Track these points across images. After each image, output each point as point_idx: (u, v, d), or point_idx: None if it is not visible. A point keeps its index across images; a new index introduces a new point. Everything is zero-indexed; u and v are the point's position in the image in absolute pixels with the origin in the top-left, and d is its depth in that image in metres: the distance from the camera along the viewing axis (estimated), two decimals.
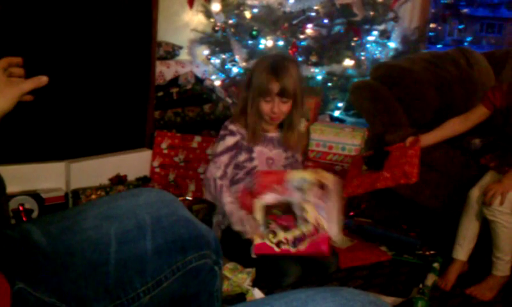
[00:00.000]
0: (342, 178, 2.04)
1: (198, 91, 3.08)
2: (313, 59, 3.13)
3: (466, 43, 5.41)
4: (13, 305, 0.84)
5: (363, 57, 3.32)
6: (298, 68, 2.10)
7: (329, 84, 3.27)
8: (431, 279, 1.96)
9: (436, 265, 2.07)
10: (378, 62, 3.25)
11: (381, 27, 3.45)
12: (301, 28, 3.13)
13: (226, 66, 3.40)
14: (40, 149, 2.38)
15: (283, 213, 1.89)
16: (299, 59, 3.12)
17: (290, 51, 3.03)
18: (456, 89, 2.72)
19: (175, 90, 3.04)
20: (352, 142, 2.61)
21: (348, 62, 3.22)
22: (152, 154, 2.72)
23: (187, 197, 2.64)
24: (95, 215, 1.01)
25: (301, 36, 3.14)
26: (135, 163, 2.66)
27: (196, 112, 3.05)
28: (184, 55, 3.48)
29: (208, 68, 3.50)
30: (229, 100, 3.16)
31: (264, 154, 2.10)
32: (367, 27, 3.36)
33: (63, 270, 0.92)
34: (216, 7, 3.22)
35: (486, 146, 2.28)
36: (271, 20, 3.10)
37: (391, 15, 3.45)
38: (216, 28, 3.21)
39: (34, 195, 2.27)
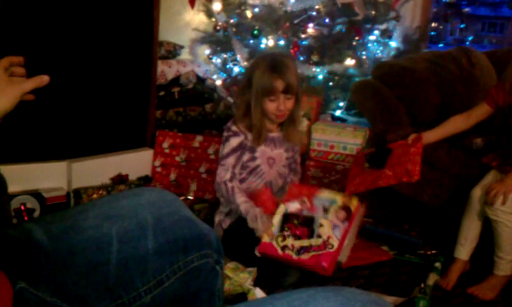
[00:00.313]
0: (344, 177, 2.04)
1: (200, 90, 3.08)
2: (315, 58, 3.13)
3: (467, 43, 5.40)
4: (14, 304, 0.84)
5: (364, 57, 3.32)
6: (295, 62, 2.12)
7: (331, 84, 3.27)
8: (432, 279, 1.96)
9: (437, 264, 2.07)
10: (379, 61, 3.24)
11: (383, 26, 3.44)
12: (302, 27, 3.13)
13: (227, 66, 3.39)
14: (42, 149, 2.39)
15: (301, 225, 1.89)
16: (301, 58, 3.12)
17: (291, 50, 3.03)
18: (458, 88, 2.72)
19: (176, 89, 3.04)
20: (354, 141, 2.60)
21: (349, 61, 3.22)
22: (153, 153, 2.73)
23: (189, 197, 2.65)
24: (97, 214, 1.01)
25: (303, 36, 3.13)
26: (136, 162, 2.66)
27: (198, 112, 3.05)
28: (185, 55, 3.48)
29: (210, 67, 3.49)
30: (230, 100, 3.16)
31: (265, 154, 2.10)
32: (368, 26, 3.36)
33: (64, 269, 0.92)
34: (217, 6, 3.22)
35: (488, 146, 2.27)
36: (272, 20, 3.09)
37: (392, 14, 3.44)
38: (217, 27, 3.21)
39: (36, 194, 2.28)
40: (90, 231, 0.97)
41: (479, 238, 2.01)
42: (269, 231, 1.90)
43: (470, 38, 5.57)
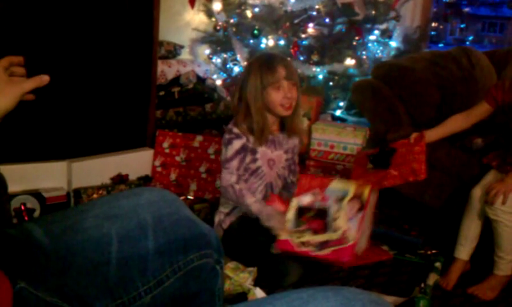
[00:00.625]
0: (344, 177, 2.04)
1: (200, 90, 3.08)
2: (315, 58, 3.13)
3: (467, 42, 5.40)
4: (14, 304, 0.84)
5: (364, 57, 3.32)
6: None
7: (331, 83, 3.27)
8: (432, 279, 1.96)
9: (437, 264, 2.07)
10: (380, 61, 3.24)
11: (383, 26, 3.44)
12: (302, 27, 3.13)
13: (227, 66, 3.40)
14: (42, 149, 2.39)
15: (315, 217, 1.89)
16: (301, 58, 3.12)
17: (291, 50, 3.03)
18: (458, 88, 2.72)
19: (176, 89, 3.04)
20: (354, 141, 2.60)
21: (349, 61, 3.22)
22: (153, 153, 2.73)
23: (189, 197, 2.65)
24: (97, 214, 1.01)
25: (303, 35, 3.13)
26: (136, 162, 2.66)
27: (198, 112, 3.05)
28: (185, 55, 3.48)
29: (210, 67, 3.50)
30: (230, 99, 3.16)
31: (266, 155, 2.09)
32: (368, 26, 3.36)
33: (64, 269, 0.92)
34: (217, 6, 3.22)
35: (488, 146, 2.28)
36: (272, 19, 3.10)
37: (392, 14, 3.44)
38: (218, 27, 3.21)
39: (36, 194, 2.27)
40: (90, 231, 0.97)
41: (479, 238, 2.01)
42: (285, 228, 1.89)
43: (470, 38, 5.57)
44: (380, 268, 2.12)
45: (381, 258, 2.18)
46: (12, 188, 2.12)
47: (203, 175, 2.70)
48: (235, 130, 2.03)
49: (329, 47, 3.18)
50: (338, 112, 3.38)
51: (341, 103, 3.38)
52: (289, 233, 1.87)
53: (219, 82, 3.35)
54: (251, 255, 1.97)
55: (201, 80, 3.18)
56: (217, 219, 2.13)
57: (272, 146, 2.10)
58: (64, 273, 0.92)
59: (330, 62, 3.18)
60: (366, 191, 1.87)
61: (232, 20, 3.20)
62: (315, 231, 1.86)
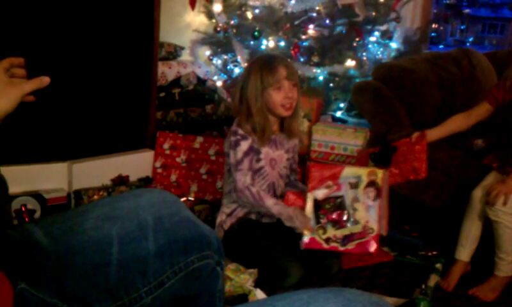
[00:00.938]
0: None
1: (200, 91, 3.08)
2: (315, 59, 3.13)
3: (468, 44, 5.40)
4: (15, 305, 0.84)
5: (365, 58, 3.32)
6: None
7: (331, 85, 3.27)
8: (433, 280, 1.96)
9: (438, 265, 2.07)
10: (380, 62, 3.24)
11: (383, 27, 3.44)
12: (302, 28, 3.13)
13: (228, 67, 3.39)
14: (42, 150, 2.39)
15: (335, 209, 1.92)
16: (301, 59, 3.12)
17: (292, 51, 3.03)
18: (458, 89, 2.72)
19: (177, 91, 3.05)
20: (355, 142, 2.60)
21: (350, 62, 3.22)
22: (153, 155, 2.73)
23: (189, 198, 2.65)
24: (97, 215, 1.01)
25: (303, 37, 3.13)
26: (137, 164, 2.66)
27: (198, 113, 3.05)
28: (185, 56, 3.48)
29: (210, 68, 3.50)
30: (231, 101, 3.16)
31: (268, 155, 2.09)
32: (368, 27, 3.36)
33: (64, 270, 0.92)
34: (217, 8, 3.22)
35: (489, 147, 2.28)
36: (272, 21, 3.10)
37: (393, 15, 3.44)
38: (218, 29, 3.21)
39: (37, 195, 2.28)
40: (91, 232, 0.97)
41: (480, 239, 2.00)
42: (308, 226, 1.92)
43: (471, 39, 5.56)
44: (381, 270, 2.12)
45: (381, 259, 2.17)
46: (13, 189, 2.11)
47: (204, 176, 2.70)
48: (240, 131, 2.02)
49: (329, 48, 3.17)
50: (338, 114, 3.38)
51: (341, 105, 3.38)
52: (313, 231, 1.90)
53: (219, 84, 3.35)
54: (252, 256, 1.97)
55: (201, 81, 3.19)
56: (218, 219, 2.13)
57: (273, 146, 2.10)
58: (64, 274, 0.92)
59: (330, 63, 3.18)
60: (379, 175, 1.90)
61: (232, 22, 3.20)
62: (336, 224, 1.91)
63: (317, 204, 1.93)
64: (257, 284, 1.84)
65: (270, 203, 1.98)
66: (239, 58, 3.18)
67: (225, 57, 3.38)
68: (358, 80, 3.12)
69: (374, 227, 1.90)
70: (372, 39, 3.43)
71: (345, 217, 1.91)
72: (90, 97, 2.50)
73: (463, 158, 2.30)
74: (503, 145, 2.15)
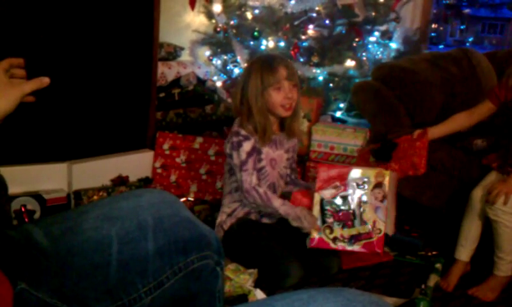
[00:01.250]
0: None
1: (200, 92, 3.09)
2: (315, 59, 3.13)
3: (467, 44, 5.40)
4: (15, 305, 0.84)
5: (364, 58, 3.32)
6: None
7: (331, 85, 3.27)
8: (433, 280, 1.96)
9: (438, 265, 2.07)
10: (380, 63, 3.24)
11: (383, 27, 3.44)
12: (302, 29, 3.13)
13: (227, 67, 3.39)
14: (42, 151, 2.39)
15: (342, 209, 1.94)
16: (301, 59, 3.12)
17: (291, 52, 3.03)
18: (458, 89, 2.72)
19: (176, 91, 3.05)
20: (354, 142, 2.60)
21: (350, 63, 3.22)
22: (153, 155, 2.73)
23: (189, 198, 2.65)
24: (97, 216, 1.01)
25: (303, 37, 3.13)
26: (137, 164, 2.66)
27: (198, 113, 3.05)
28: (185, 57, 3.48)
29: (210, 69, 3.50)
30: (231, 101, 3.16)
31: (269, 155, 2.09)
32: (368, 27, 3.36)
33: (64, 271, 0.92)
34: (217, 8, 3.22)
35: (489, 147, 2.28)
36: (272, 21, 3.10)
37: (392, 15, 3.44)
38: (218, 29, 3.21)
39: (36, 196, 2.28)
40: (90, 233, 0.97)
41: (480, 239, 2.00)
42: (316, 226, 1.93)
43: (470, 39, 5.56)
44: (380, 270, 2.12)
45: (381, 259, 2.17)
46: (12, 189, 2.12)
47: (204, 177, 2.70)
48: (243, 132, 2.02)
49: (329, 49, 3.17)
50: (338, 114, 3.38)
51: (341, 105, 3.38)
52: (320, 230, 1.92)
53: (219, 84, 3.35)
54: (252, 256, 1.97)
55: (201, 81, 3.19)
56: (218, 219, 2.13)
57: (273, 146, 2.10)
58: (64, 274, 0.92)
59: (330, 63, 3.18)
60: (386, 177, 1.91)
61: (232, 22, 3.20)
62: (343, 223, 1.93)
63: (324, 204, 1.94)
64: (257, 284, 1.84)
65: (277, 203, 1.98)
66: (238, 58, 3.18)
67: (225, 57, 3.38)
68: (357, 80, 3.12)
69: (382, 227, 1.91)
70: (372, 39, 3.43)
71: (352, 217, 1.92)
72: (90, 97, 2.50)
73: (462, 158, 2.30)
74: (503, 145, 2.15)
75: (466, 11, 5.32)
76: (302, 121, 2.68)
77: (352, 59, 3.22)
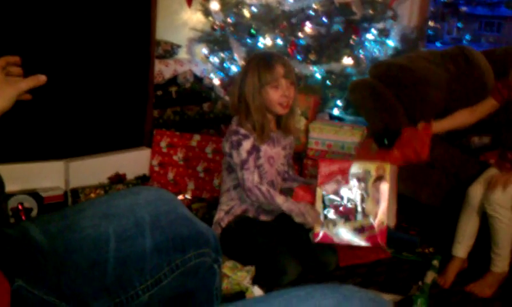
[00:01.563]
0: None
1: (197, 89, 3.08)
2: (312, 57, 3.13)
3: (465, 42, 5.40)
4: (12, 303, 0.84)
5: (362, 56, 3.32)
6: None
7: (328, 83, 3.26)
8: (430, 277, 1.96)
9: (435, 262, 2.07)
10: (377, 60, 3.24)
11: (380, 25, 3.44)
12: (299, 26, 3.13)
13: (225, 65, 3.39)
14: (39, 148, 2.39)
15: (344, 203, 1.96)
16: (298, 57, 3.12)
17: (289, 49, 3.03)
18: (456, 87, 2.72)
19: (173, 89, 3.04)
20: (352, 140, 2.61)
21: (347, 60, 3.22)
22: (151, 153, 2.73)
23: (187, 196, 2.65)
24: (94, 213, 1.01)
25: (300, 35, 3.13)
26: (134, 162, 2.66)
27: (195, 111, 3.05)
28: (182, 54, 3.47)
29: (207, 66, 3.49)
30: (228, 99, 3.16)
31: (267, 153, 2.09)
32: (365, 25, 3.36)
33: (62, 268, 0.92)
34: (214, 6, 3.21)
35: (487, 144, 2.28)
36: (269, 19, 3.09)
37: (390, 13, 3.44)
38: (215, 27, 3.21)
39: (34, 194, 2.27)
40: (88, 230, 0.97)
41: (477, 236, 2.01)
42: (319, 221, 1.95)
43: (468, 37, 5.57)
44: (378, 267, 2.12)
45: (378, 256, 2.18)
46: (9, 187, 2.11)
47: (201, 174, 2.70)
48: (242, 130, 2.01)
49: (326, 46, 3.17)
50: (335, 112, 3.38)
51: (338, 103, 3.38)
52: (323, 224, 1.93)
53: (216, 82, 3.35)
54: (249, 254, 1.97)
55: (198, 79, 3.18)
56: (216, 217, 2.13)
57: (271, 144, 2.10)
58: (61, 272, 0.92)
59: (328, 61, 3.18)
60: (387, 170, 1.92)
61: (229, 20, 3.20)
62: (346, 217, 1.95)
63: (326, 198, 1.95)
64: (254, 281, 1.84)
65: (280, 200, 1.98)
66: (236, 56, 3.17)
67: (222, 55, 3.37)
68: (355, 78, 3.13)
69: (384, 220, 1.93)
70: (369, 37, 3.42)
71: (354, 211, 1.94)
72: (87, 95, 2.50)
73: (460, 155, 2.30)
74: (501, 142, 2.15)
75: (463, 9, 5.33)
76: (299, 118, 2.68)
77: (350, 56, 3.22)
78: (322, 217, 1.96)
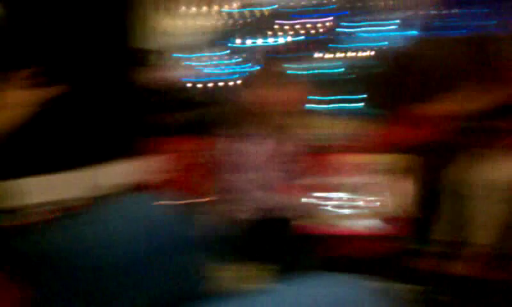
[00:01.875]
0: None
1: (193, 94, 3.10)
2: (309, 52, 3.14)
3: (483, 28, 5.36)
4: None
5: (361, 49, 3.31)
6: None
7: (327, 78, 3.27)
8: (430, 265, 1.95)
9: (433, 251, 2.05)
10: (382, 51, 3.22)
11: (388, 15, 3.42)
12: (296, 23, 3.14)
13: (219, 69, 3.41)
14: (36, 161, 2.39)
15: (350, 194, 1.97)
16: (295, 54, 3.12)
17: (281, 47, 3.04)
18: (469, 74, 2.68)
19: (169, 94, 3.06)
20: (348, 132, 2.60)
21: (346, 53, 3.22)
22: (147, 160, 2.73)
23: (189, 200, 2.64)
24: (92, 221, 1.03)
25: (296, 30, 3.14)
26: (129, 170, 2.67)
27: (192, 115, 3.06)
28: (175, 60, 3.49)
29: (202, 71, 3.51)
30: (225, 102, 3.17)
31: (265, 151, 2.10)
32: (371, 16, 3.35)
33: (64, 275, 0.95)
34: (205, 10, 3.24)
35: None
36: (263, 19, 3.11)
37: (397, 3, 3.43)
38: (208, 31, 3.23)
39: (35, 206, 2.29)
40: (88, 238, 0.99)
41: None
42: (315, 213, 1.97)
43: (481, 24, 5.52)
44: (380, 258, 2.10)
45: (378, 248, 2.16)
46: (15, 201, 2.14)
47: (201, 178, 2.69)
48: (243, 131, 2.05)
49: (326, 39, 3.18)
50: (333, 105, 3.38)
51: (337, 96, 3.38)
52: (324, 218, 1.93)
53: (211, 85, 3.36)
54: (250, 253, 1.97)
55: (192, 84, 3.21)
56: (215, 218, 2.13)
57: (269, 142, 2.11)
58: (64, 279, 0.94)
59: (326, 55, 3.18)
60: (394, 161, 1.95)
61: (222, 23, 3.22)
62: (350, 207, 1.98)
63: (326, 189, 1.95)
64: (254, 281, 1.84)
65: (277, 198, 1.99)
66: (230, 59, 3.20)
67: (216, 59, 3.39)
68: (359, 70, 3.12)
69: (388, 208, 1.94)
70: (376, 27, 3.41)
71: (355, 202, 1.94)
72: (80, 104, 2.50)
73: None
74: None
75: None
76: (296, 116, 2.68)
77: (351, 49, 3.22)
78: (324, 209, 1.95)
